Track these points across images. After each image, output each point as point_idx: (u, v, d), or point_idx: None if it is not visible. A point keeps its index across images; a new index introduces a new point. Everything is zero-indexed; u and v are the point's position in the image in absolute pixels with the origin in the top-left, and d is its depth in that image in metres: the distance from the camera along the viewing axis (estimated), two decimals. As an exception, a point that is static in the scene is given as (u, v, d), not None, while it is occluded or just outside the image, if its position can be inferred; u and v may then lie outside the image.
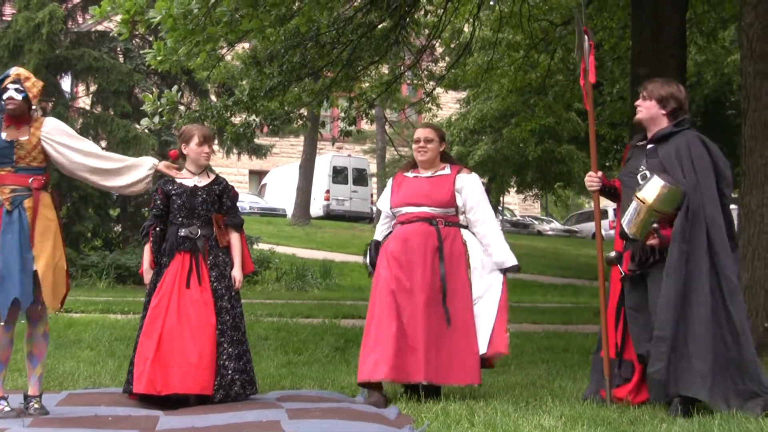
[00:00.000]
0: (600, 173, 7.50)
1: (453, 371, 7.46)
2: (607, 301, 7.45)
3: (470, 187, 7.83)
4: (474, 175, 8.00)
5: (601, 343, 7.39)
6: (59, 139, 7.03)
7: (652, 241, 6.94)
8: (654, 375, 6.79)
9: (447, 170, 7.94)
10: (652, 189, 6.91)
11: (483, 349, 7.56)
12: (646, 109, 7.30)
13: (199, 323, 7.44)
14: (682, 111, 7.29)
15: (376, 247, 7.93)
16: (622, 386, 7.27)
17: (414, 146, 7.99)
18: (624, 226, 7.10)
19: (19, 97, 6.91)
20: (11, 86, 6.91)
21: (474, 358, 7.52)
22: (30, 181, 6.90)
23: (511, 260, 7.79)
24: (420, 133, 7.99)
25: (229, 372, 7.50)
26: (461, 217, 7.84)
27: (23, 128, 6.95)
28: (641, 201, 6.92)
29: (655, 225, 6.91)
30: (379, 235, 8.04)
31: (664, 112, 7.25)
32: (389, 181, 8.26)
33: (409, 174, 8.04)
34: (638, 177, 7.13)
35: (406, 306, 7.48)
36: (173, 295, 7.47)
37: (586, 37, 7.60)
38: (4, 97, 6.91)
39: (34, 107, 7.06)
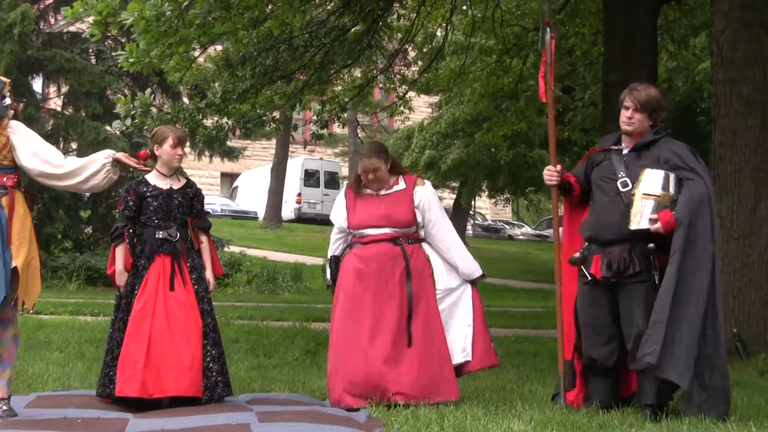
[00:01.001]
0: (559, 167, 7.46)
1: (432, 388, 7.31)
2: (574, 302, 7.50)
3: (428, 202, 7.66)
4: (428, 186, 7.82)
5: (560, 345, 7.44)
6: (25, 137, 7.00)
7: (655, 226, 6.88)
8: (645, 358, 6.76)
9: (401, 184, 7.71)
10: (649, 179, 6.98)
11: (457, 359, 7.54)
12: (639, 122, 7.21)
13: (188, 325, 7.44)
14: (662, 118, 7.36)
15: (336, 264, 7.75)
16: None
17: (362, 176, 7.69)
18: (639, 225, 6.99)
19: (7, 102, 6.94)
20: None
21: (450, 372, 7.44)
22: (5, 179, 6.88)
23: (479, 270, 7.74)
24: (366, 164, 7.66)
25: (213, 374, 7.52)
26: (421, 232, 7.73)
27: None
28: (649, 195, 6.93)
29: (653, 215, 6.91)
30: (336, 251, 7.85)
31: (651, 123, 7.26)
32: (341, 196, 7.96)
33: (363, 191, 7.77)
34: (618, 183, 7.15)
35: (374, 326, 7.37)
36: (159, 298, 7.44)
37: (548, 29, 7.53)
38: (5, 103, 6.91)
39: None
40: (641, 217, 6.93)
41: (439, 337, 7.49)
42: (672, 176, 6.97)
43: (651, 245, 6.94)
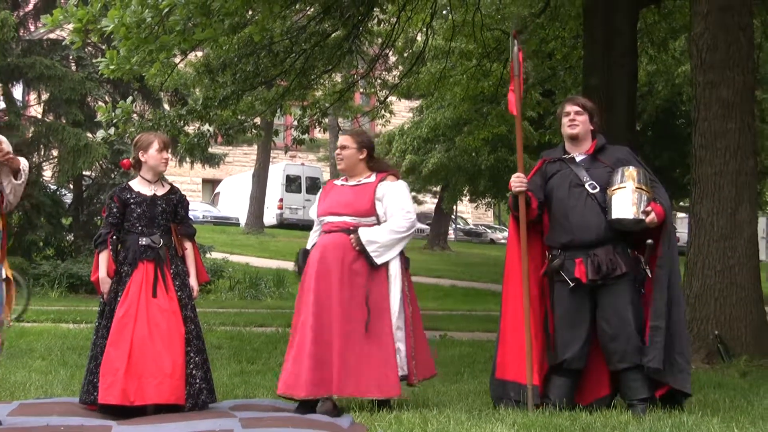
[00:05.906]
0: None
1: (371, 384, 7.30)
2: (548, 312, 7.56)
3: (392, 195, 7.65)
4: (399, 183, 7.80)
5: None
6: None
7: (650, 217, 7.09)
8: (650, 363, 7.01)
9: (372, 178, 7.75)
10: (635, 174, 7.18)
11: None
12: (583, 123, 7.49)
13: (170, 332, 7.40)
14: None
15: (304, 256, 7.78)
16: None
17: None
18: (626, 215, 7.12)
19: None
20: None
21: (392, 370, 7.36)
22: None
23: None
24: (338, 140, 7.91)
25: (197, 381, 7.48)
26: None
27: None
28: (642, 189, 7.13)
29: (648, 208, 7.13)
30: (309, 243, 7.89)
31: (592, 127, 7.54)
32: (321, 189, 8.16)
33: (338, 182, 7.93)
34: (587, 186, 7.29)
35: (322, 319, 7.36)
36: (141, 305, 7.40)
37: (515, 41, 7.62)
38: None
39: None
40: (637, 208, 7.09)
41: (388, 332, 7.46)
42: (647, 174, 7.26)
43: (649, 241, 7.13)
